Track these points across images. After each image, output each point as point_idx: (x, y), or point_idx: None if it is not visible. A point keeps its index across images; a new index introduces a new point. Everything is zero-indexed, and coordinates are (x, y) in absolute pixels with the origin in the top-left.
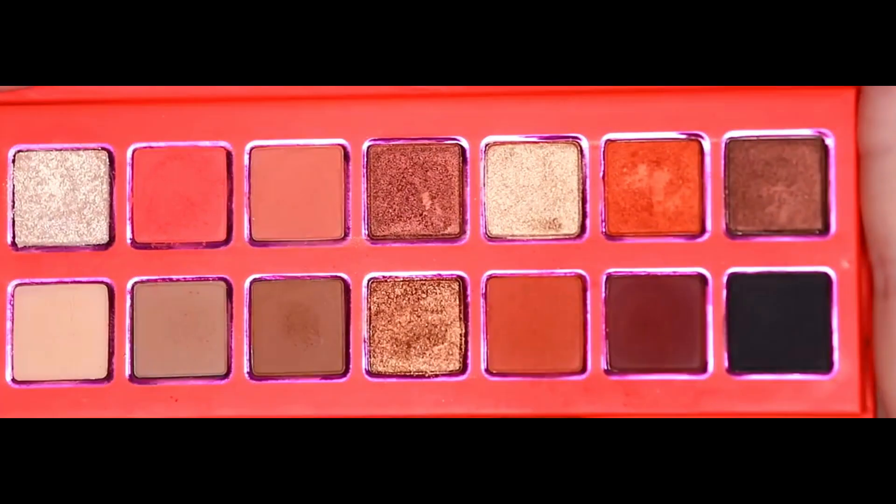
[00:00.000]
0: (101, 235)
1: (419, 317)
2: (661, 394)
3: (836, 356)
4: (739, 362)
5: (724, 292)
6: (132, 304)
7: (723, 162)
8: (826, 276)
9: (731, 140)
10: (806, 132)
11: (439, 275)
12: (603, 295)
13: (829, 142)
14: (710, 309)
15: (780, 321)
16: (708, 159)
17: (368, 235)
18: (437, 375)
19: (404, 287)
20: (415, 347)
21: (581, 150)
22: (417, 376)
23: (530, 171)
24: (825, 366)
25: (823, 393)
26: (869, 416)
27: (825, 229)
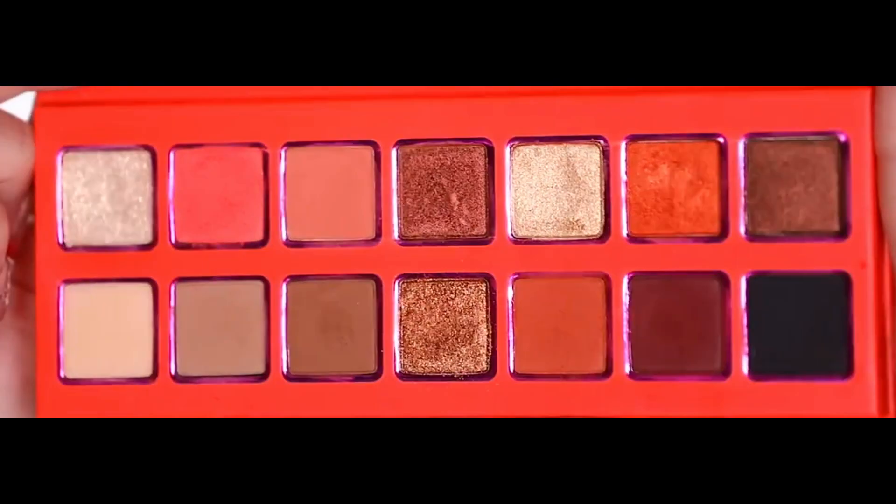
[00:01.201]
0: (144, 235)
1: (448, 317)
2: (683, 397)
3: (855, 359)
4: (759, 364)
5: (744, 295)
6: (175, 304)
7: (742, 163)
8: (845, 277)
9: (750, 141)
10: (824, 133)
11: (468, 275)
12: (625, 296)
13: (847, 143)
14: (731, 311)
15: (799, 323)
16: (727, 160)
17: (399, 236)
18: (465, 377)
19: (434, 287)
20: (443, 348)
21: (603, 151)
22: (446, 377)
23: (554, 172)
24: (844, 368)
25: (842, 396)
26: (890, 416)
27: (843, 230)
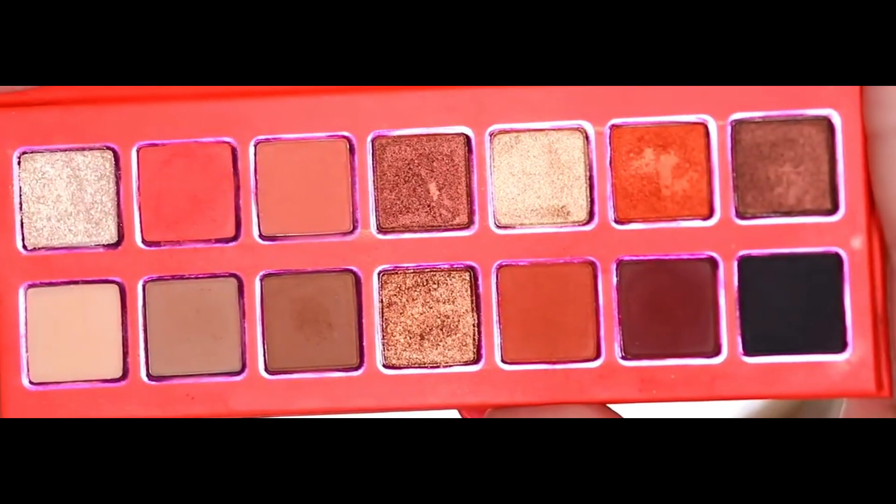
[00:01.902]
0: (109, 235)
1: (431, 308)
2: (676, 379)
3: (849, 336)
4: (753, 345)
5: (736, 275)
6: (144, 303)
7: (729, 144)
8: (837, 256)
9: (737, 122)
10: (811, 112)
11: (450, 265)
12: (614, 281)
13: (836, 121)
14: (721, 292)
15: (792, 303)
16: (714, 142)
17: (377, 228)
18: (451, 366)
19: (416, 278)
20: (428, 339)
21: (587, 137)
22: (432, 367)
23: (536, 158)
24: (839, 346)
25: (838, 373)
26: (885, 395)
27: (834, 209)
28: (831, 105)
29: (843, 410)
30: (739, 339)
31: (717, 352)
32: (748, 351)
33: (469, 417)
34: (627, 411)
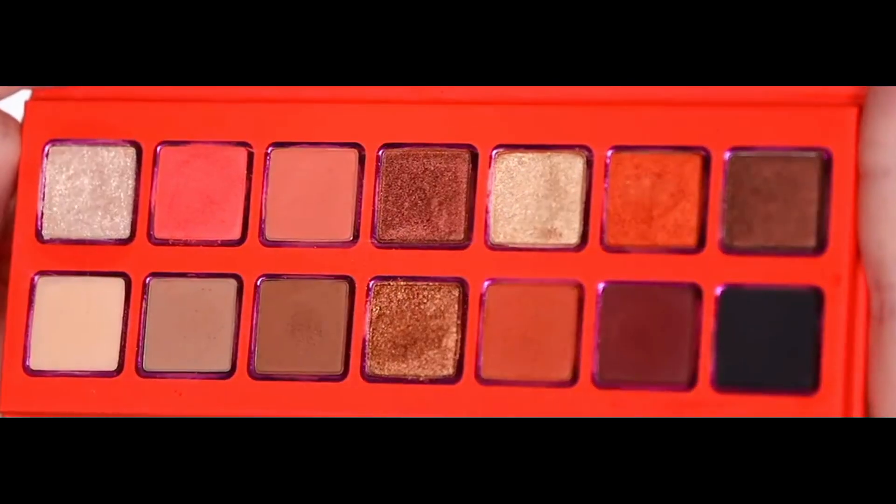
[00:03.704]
0: (123, 230)
1: (419, 321)
2: (647, 407)
3: (822, 375)
4: (725, 378)
5: (716, 307)
6: (147, 299)
7: (723, 177)
8: (819, 293)
9: (734, 155)
10: (807, 152)
11: (441, 280)
12: (597, 305)
13: (830, 160)
14: (702, 322)
15: (769, 337)
16: (709, 173)
17: (376, 239)
18: (431, 381)
19: (406, 291)
20: (411, 350)
21: (587, 161)
22: (412, 380)
23: (537, 180)
24: (812, 383)
25: (808, 411)
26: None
27: (819, 247)
28: (827, 142)
29: None
30: (712, 371)
31: (690, 381)
32: (719, 382)
33: None
34: None
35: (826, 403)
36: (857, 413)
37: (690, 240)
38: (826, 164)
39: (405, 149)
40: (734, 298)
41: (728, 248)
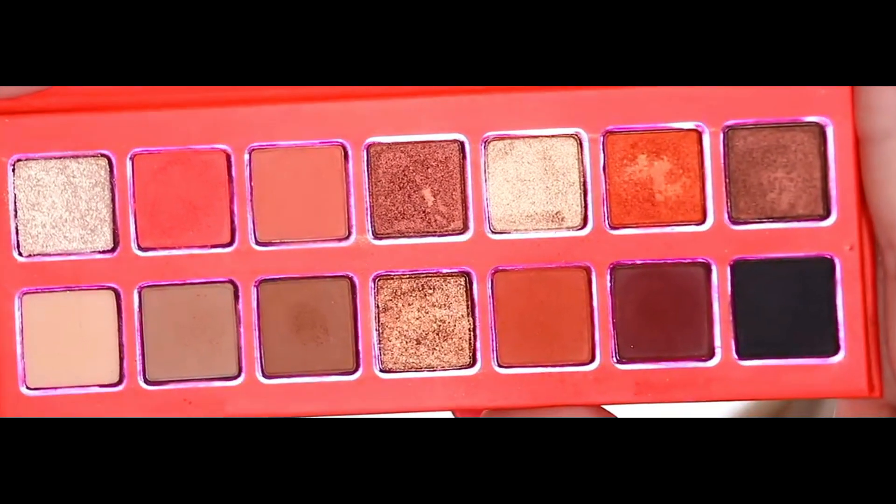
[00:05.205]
0: (105, 241)
1: (427, 313)
2: (670, 381)
3: (842, 339)
4: (747, 348)
5: (729, 280)
6: (140, 309)
7: (722, 150)
8: (830, 260)
9: (730, 128)
10: (804, 118)
11: (445, 270)
12: (608, 286)
13: (828, 128)
14: (715, 297)
15: (785, 306)
16: (707, 148)
17: (373, 234)
18: (447, 370)
19: (411, 283)
20: (424, 344)
21: (580, 143)
22: (428, 371)
23: (531, 165)
24: (831, 349)
25: (831, 375)
26: (876, 395)
27: (826, 214)
28: (823, 111)
29: (835, 410)
30: (733, 343)
31: (711, 355)
32: (742, 354)
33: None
34: (621, 411)
35: (848, 368)
36: (876, 373)
37: (695, 215)
38: (823, 132)
39: (390, 141)
40: (745, 271)
41: (734, 222)
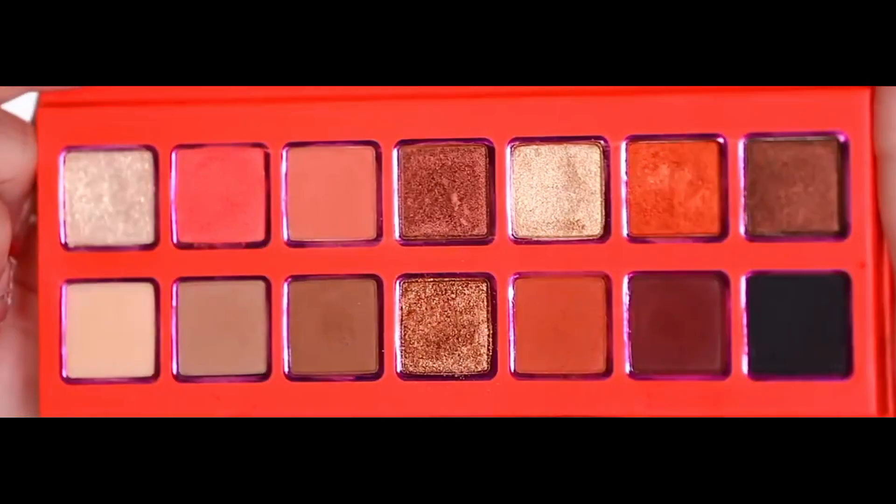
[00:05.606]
0: (146, 235)
1: (449, 317)
2: (683, 396)
3: (854, 359)
4: (759, 365)
5: (744, 294)
6: (177, 303)
7: (741, 163)
8: (845, 277)
9: (750, 141)
10: (823, 133)
11: (469, 275)
12: (625, 296)
13: (846, 143)
14: (730, 310)
15: (799, 323)
16: (727, 160)
17: (400, 236)
18: (465, 376)
19: (435, 287)
20: (444, 347)
21: (604, 152)
22: (447, 376)
23: (554, 172)
24: (844, 368)
25: (842, 395)
26: (890, 415)
27: (842, 230)
28: (842, 126)
29: None
30: (745, 359)
31: (724, 370)
32: (754, 371)
33: None
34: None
35: (859, 387)
36: (891, 395)
37: (713, 227)
38: (843, 147)
39: (421, 144)
40: (761, 285)
41: (752, 236)
